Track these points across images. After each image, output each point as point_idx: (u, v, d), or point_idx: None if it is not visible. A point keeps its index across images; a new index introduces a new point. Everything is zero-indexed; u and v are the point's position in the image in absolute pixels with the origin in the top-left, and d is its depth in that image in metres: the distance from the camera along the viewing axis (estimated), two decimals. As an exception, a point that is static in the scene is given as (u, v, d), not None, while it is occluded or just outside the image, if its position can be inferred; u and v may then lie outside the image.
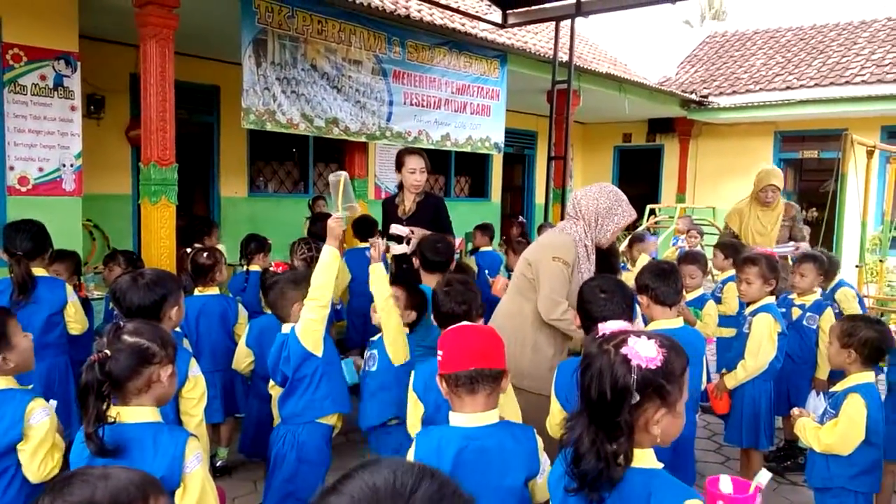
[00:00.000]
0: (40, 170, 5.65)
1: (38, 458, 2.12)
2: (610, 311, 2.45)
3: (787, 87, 12.25)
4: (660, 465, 1.55)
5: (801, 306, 4.36)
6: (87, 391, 1.80)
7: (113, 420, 1.82)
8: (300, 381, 2.79)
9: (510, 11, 7.67)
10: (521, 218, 9.18)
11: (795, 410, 2.86)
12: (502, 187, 13.25)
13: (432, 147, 7.82)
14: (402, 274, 4.40)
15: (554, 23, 8.02)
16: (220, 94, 8.53)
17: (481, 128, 8.25)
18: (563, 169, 8.40)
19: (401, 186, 4.67)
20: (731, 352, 3.92)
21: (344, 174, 2.99)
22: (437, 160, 11.65)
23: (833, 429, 2.65)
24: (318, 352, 2.77)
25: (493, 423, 1.95)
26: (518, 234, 7.37)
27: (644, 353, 1.51)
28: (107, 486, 1.11)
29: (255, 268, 4.83)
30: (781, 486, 4.17)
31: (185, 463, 1.87)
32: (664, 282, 2.91)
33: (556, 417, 2.58)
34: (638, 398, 1.47)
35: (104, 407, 1.81)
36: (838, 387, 2.75)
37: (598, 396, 1.49)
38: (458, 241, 6.31)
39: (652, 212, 12.42)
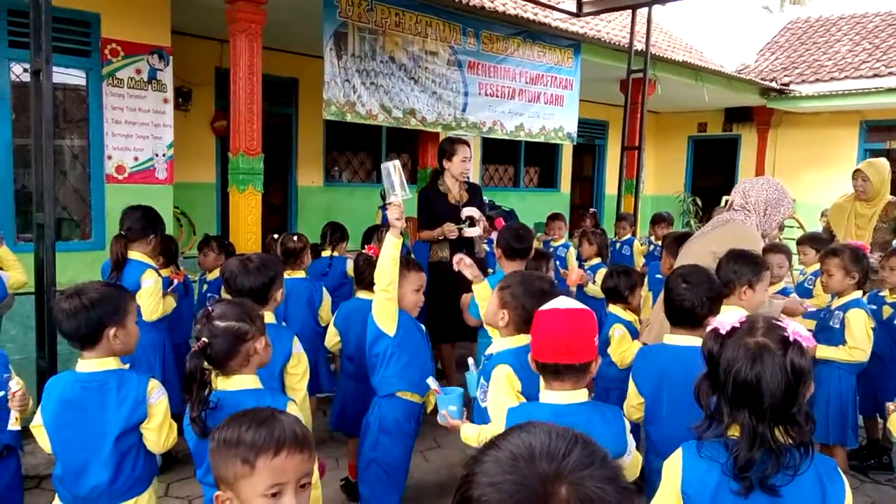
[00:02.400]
0: (135, 159, 5.98)
1: (163, 434, 2.29)
2: (689, 301, 2.47)
3: (875, 75, 11.71)
4: None
5: (894, 304, 4.23)
6: (192, 378, 1.98)
7: (215, 405, 2.00)
8: (375, 357, 2.95)
9: (585, 1, 7.62)
10: (592, 209, 9.14)
11: (891, 405, 2.79)
12: (571, 177, 13.16)
13: (507, 137, 7.87)
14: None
15: (629, 11, 7.92)
16: (298, 86, 8.78)
17: (554, 118, 8.23)
18: (638, 160, 8.30)
19: (436, 175, 4.75)
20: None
21: (396, 161, 2.97)
22: (507, 150, 11.69)
23: (926, 426, 2.60)
24: (391, 332, 2.89)
25: (582, 402, 1.99)
26: (592, 224, 7.35)
27: (804, 333, 1.54)
28: (250, 432, 1.39)
29: (336, 254, 5.01)
30: (864, 485, 4.10)
31: None
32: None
33: (632, 400, 2.62)
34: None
35: (206, 392, 1.99)
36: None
37: (777, 389, 1.50)
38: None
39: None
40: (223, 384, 2.10)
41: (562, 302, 2.05)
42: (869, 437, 4.40)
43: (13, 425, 2.33)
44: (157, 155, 6.09)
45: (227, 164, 5.32)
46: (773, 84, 12.17)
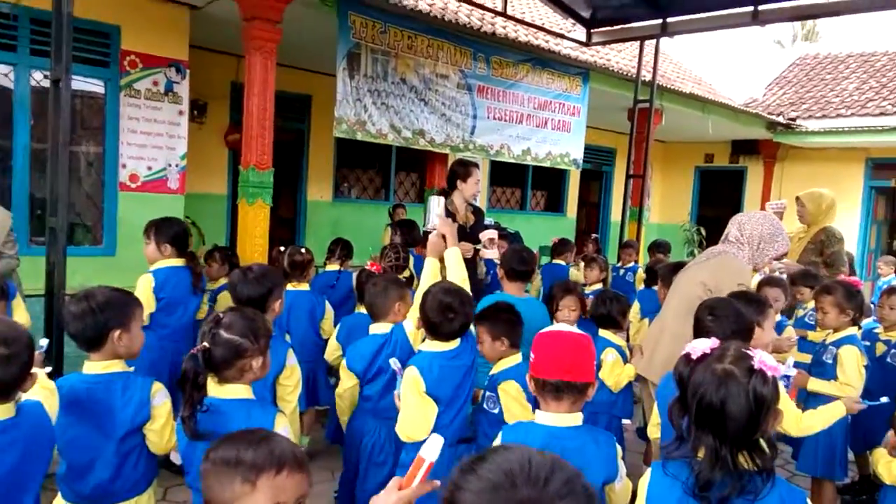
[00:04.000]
0: (149, 168, 6.11)
1: (165, 436, 2.35)
2: (713, 333, 2.48)
3: (881, 113, 11.81)
4: None
5: (887, 342, 4.27)
6: (186, 379, 2.04)
7: (207, 408, 2.05)
8: None
9: (595, 31, 7.75)
10: (594, 235, 9.24)
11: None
12: (578, 203, 13.26)
13: (513, 161, 7.99)
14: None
15: (638, 41, 8.06)
16: (311, 102, 8.93)
17: (561, 143, 8.34)
18: (642, 188, 8.39)
19: (444, 193, 4.80)
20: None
21: (441, 198, 3.33)
22: (515, 173, 11.81)
23: (904, 463, 2.64)
24: None
25: (576, 426, 2.03)
26: (594, 250, 7.44)
27: (770, 362, 1.59)
28: (250, 451, 1.38)
29: (343, 268, 5.09)
30: (855, 519, 4.11)
31: None
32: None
33: (654, 419, 2.70)
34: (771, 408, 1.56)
35: (199, 395, 2.05)
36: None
37: (740, 415, 1.55)
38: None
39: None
40: (215, 391, 2.14)
41: (564, 326, 2.16)
42: (861, 473, 4.42)
43: None
44: (170, 165, 6.22)
45: (238, 177, 5.43)
46: (780, 118, 12.29)
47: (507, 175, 11.80)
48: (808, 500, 1.63)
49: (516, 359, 3.02)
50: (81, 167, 6.04)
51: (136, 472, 2.33)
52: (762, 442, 1.58)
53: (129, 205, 5.99)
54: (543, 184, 12.81)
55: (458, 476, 0.90)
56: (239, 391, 2.16)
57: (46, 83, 5.59)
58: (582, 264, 6.52)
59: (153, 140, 6.10)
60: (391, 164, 10.17)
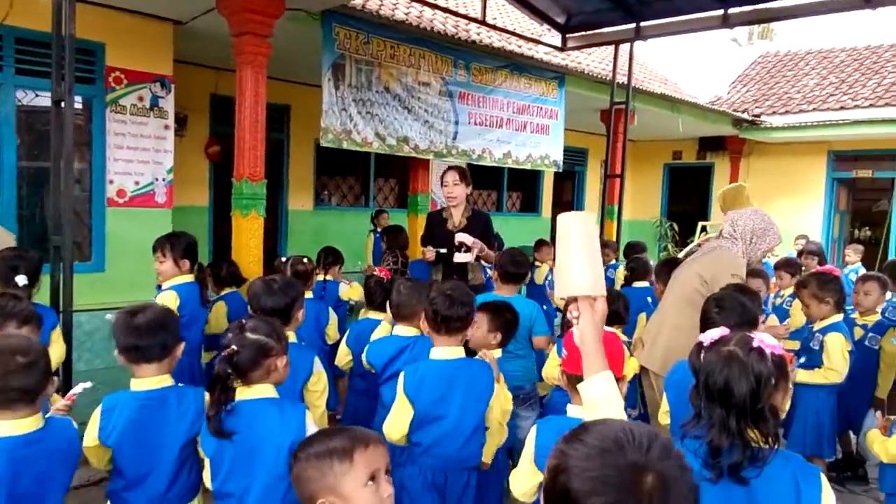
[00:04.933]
0: (136, 183, 6.12)
1: None
2: (717, 325, 2.64)
3: (842, 108, 12.27)
4: None
5: (864, 326, 4.51)
6: (217, 381, 2.16)
7: (231, 408, 2.17)
8: None
9: (570, 35, 7.95)
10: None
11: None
12: (552, 203, 13.49)
13: (495, 164, 8.15)
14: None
15: (612, 46, 8.27)
16: (290, 112, 8.99)
17: (541, 146, 8.54)
18: (621, 187, 8.61)
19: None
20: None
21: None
22: (491, 176, 11.98)
23: (898, 441, 2.85)
24: None
25: None
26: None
27: (770, 342, 1.77)
28: (336, 438, 1.57)
29: (329, 277, 5.16)
30: (842, 496, 4.33)
31: (306, 430, 2.21)
32: None
33: (664, 407, 2.86)
34: (773, 382, 1.73)
35: (226, 396, 2.16)
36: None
37: (743, 389, 1.71)
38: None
39: (703, 229, 12.53)
40: (243, 393, 2.24)
41: None
42: (844, 451, 4.66)
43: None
44: (157, 179, 6.23)
45: (219, 189, 5.45)
46: (745, 115, 12.67)
47: (483, 177, 11.95)
48: (823, 476, 1.77)
49: (497, 354, 3.17)
50: (68, 184, 6.03)
51: (189, 480, 2.40)
52: (767, 412, 1.74)
53: (117, 220, 6.00)
54: (519, 185, 13.02)
55: (564, 444, 1.00)
56: (265, 391, 2.27)
57: (30, 101, 5.62)
58: (548, 264, 6.68)
59: (140, 155, 6.12)
60: (370, 171, 10.26)
